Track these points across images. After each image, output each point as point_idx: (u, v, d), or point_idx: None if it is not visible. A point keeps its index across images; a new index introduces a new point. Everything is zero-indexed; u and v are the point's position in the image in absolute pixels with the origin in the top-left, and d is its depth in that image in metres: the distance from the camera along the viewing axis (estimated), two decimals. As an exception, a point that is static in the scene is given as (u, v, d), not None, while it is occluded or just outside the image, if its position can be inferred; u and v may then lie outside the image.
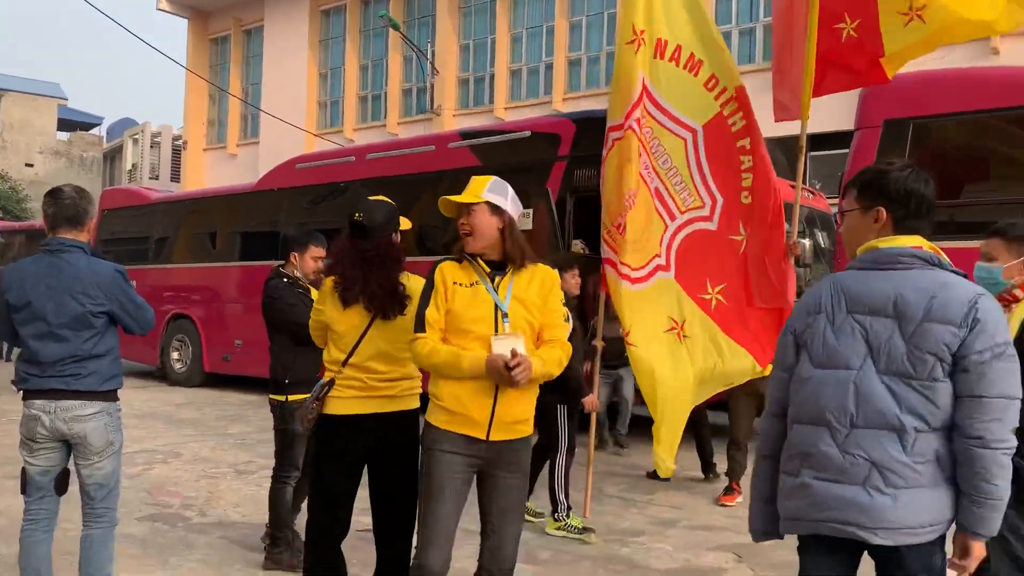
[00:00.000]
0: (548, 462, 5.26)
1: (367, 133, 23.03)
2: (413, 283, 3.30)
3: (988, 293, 2.19)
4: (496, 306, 2.90)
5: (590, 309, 7.14)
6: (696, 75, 5.35)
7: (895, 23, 5.08)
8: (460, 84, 22.31)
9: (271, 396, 4.44)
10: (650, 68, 5.34)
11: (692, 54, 5.35)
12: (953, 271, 2.22)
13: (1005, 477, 2.11)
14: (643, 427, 8.08)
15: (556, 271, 3.07)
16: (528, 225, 8.69)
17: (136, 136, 33.23)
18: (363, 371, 3.27)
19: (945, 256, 2.26)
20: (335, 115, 24.60)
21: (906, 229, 2.27)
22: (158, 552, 4.65)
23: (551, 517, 5.23)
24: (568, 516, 5.16)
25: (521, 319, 2.90)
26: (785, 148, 17.41)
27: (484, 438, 2.88)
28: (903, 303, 2.16)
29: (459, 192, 3.03)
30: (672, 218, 5.33)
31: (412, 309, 3.16)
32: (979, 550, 2.19)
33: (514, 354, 2.76)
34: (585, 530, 5.10)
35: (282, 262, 4.59)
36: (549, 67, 20.59)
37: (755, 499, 2.50)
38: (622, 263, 5.21)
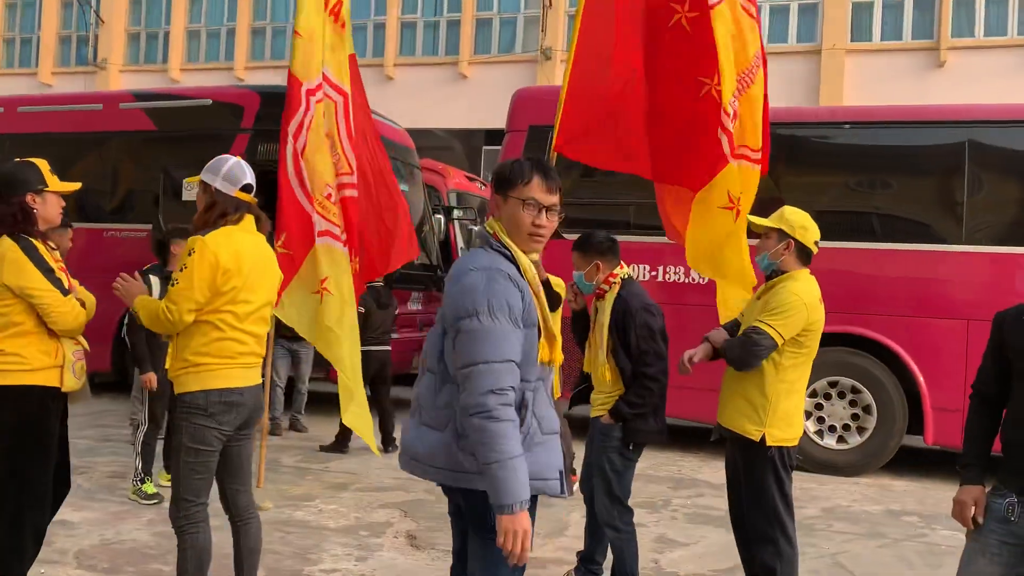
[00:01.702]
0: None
1: (13, 80, 20.40)
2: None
3: (484, 271, 2.27)
4: None
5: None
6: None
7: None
8: (130, 38, 20.62)
9: None
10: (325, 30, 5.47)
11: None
12: (500, 251, 2.34)
13: (491, 443, 2.13)
14: (320, 403, 8.31)
15: (190, 240, 3.11)
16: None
17: None
18: None
19: (496, 241, 2.37)
20: (-28, 56, 21.47)
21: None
22: None
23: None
24: (141, 483, 5.31)
25: None
26: (463, 139, 18.54)
27: None
28: (452, 273, 2.40)
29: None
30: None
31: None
32: (510, 526, 2.11)
33: None
34: (153, 496, 5.24)
35: None
36: (232, 32, 19.80)
37: None
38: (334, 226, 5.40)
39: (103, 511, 4.91)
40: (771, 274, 3.56)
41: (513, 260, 2.33)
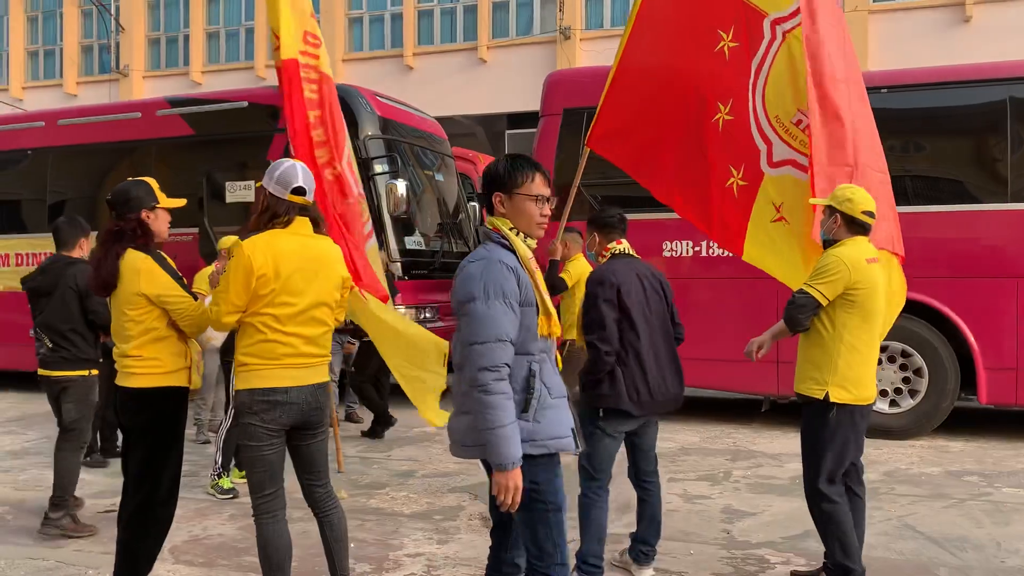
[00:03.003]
0: None
1: (40, 92, 20.70)
2: (131, 260, 3.38)
3: (482, 260, 2.56)
4: None
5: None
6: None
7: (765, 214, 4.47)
8: (150, 44, 20.79)
9: (72, 373, 4.70)
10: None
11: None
12: (500, 243, 2.62)
13: (484, 413, 2.45)
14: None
15: (234, 245, 3.31)
16: (250, 197, 8.63)
17: None
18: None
19: (496, 234, 2.64)
20: (-3, 70, 21.75)
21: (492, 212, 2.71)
22: None
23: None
24: (218, 478, 5.46)
25: None
26: (486, 124, 18.55)
27: None
28: (458, 268, 2.66)
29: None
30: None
31: (130, 287, 3.34)
32: (502, 480, 2.45)
33: None
34: (228, 491, 5.40)
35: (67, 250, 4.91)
36: (250, 32, 19.88)
37: None
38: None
39: (185, 508, 5.05)
40: (826, 245, 3.74)
41: (511, 250, 2.61)
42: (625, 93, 4.80)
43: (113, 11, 20.29)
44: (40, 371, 4.92)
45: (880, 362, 7.04)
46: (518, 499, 2.48)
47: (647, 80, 4.72)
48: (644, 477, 3.99)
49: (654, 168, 4.82)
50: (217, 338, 5.45)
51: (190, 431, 7.18)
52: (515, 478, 2.46)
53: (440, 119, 10.94)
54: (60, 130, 9.87)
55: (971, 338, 6.78)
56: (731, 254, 7.28)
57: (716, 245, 7.41)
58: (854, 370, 3.54)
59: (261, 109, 8.98)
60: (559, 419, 2.60)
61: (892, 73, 7.79)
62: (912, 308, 6.96)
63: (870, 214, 3.66)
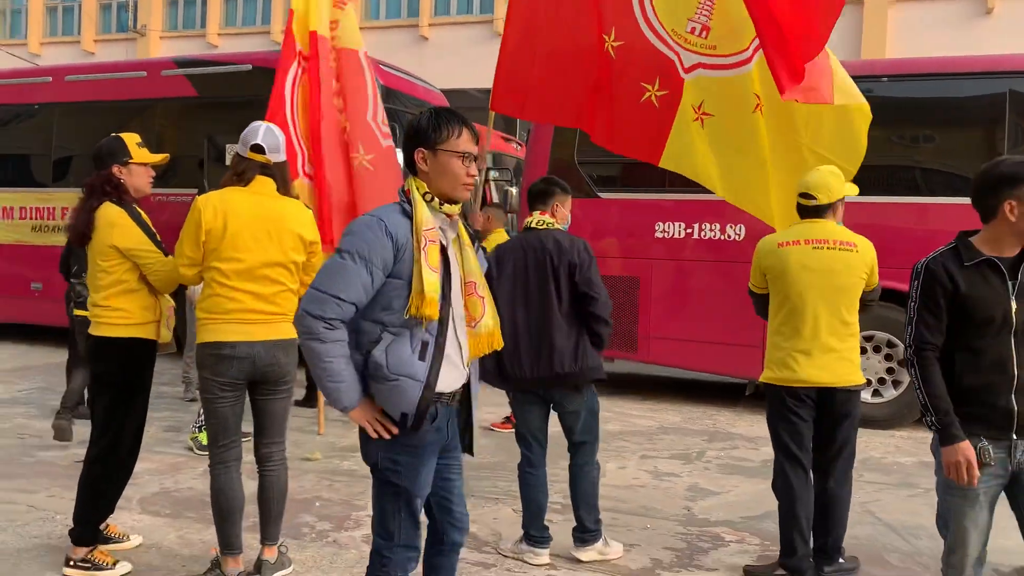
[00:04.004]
0: None
1: (57, 48, 20.81)
2: (106, 213, 3.47)
3: (372, 217, 2.40)
4: None
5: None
6: None
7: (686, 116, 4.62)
8: (168, 4, 20.82)
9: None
10: None
11: None
12: (402, 207, 2.42)
13: (314, 361, 2.34)
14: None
15: None
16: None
17: None
18: None
19: (405, 197, 2.45)
20: (16, 25, 21.88)
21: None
22: None
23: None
24: (198, 431, 5.55)
25: None
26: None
27: None
28: None
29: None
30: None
31: (104, 238, 3.43)
32: (357, 419, 2.40)
33: None
34: (206, 446, 5.45)
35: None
36: (268, -4, 19.89)
37: None
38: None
39: (161, 462, 5.19)
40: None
41: (409, 216, 2.39)
42: (518, 52, 5.02)
43: (132, -30, 20.33)
44: (82, 312, 5.13)
45: (865, 351, 7.05)
46: (380, 429, 2.38)
47: (537, 35, 4.96)
48: (569, 449, 3.90)
49: (580, 112, 4.98)
50: None
51: (178, 388, 7.32)
52: (365, 413, 2.39)
53: (453, 91, 10.96)
54: (67, 86, 9.95)
55: (956, 331, 6.75)
56: (722, 237, 7.41)
57: (707, 227, 7.43)
58: (777, 352, 3.61)
59: (265, 73, 8.98)
60: (392, 397, 2.38)
61: (893, 62, 7.73)
62: (899, 298, 6.96)
63: (806, 196, 3.63)
